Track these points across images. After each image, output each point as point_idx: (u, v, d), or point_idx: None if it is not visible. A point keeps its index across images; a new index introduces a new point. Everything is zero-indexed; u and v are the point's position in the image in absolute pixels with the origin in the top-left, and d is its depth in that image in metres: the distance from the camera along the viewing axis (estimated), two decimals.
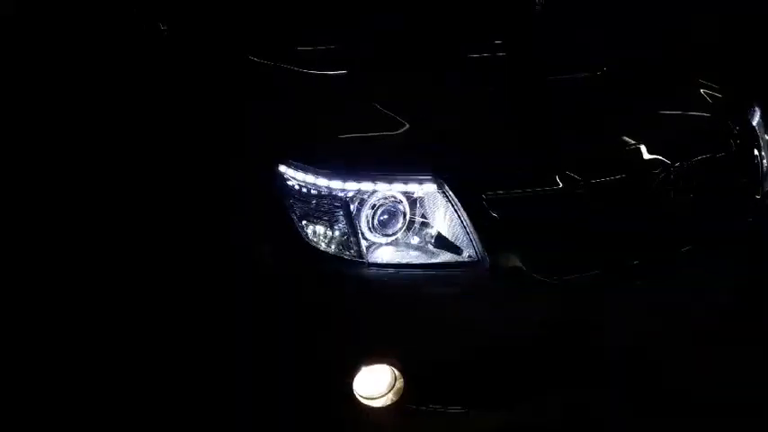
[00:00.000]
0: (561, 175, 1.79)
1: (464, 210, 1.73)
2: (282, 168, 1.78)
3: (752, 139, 2.21)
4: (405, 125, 1.87)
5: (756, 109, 2.34)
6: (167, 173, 2.32)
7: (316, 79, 2.12)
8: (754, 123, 2.27)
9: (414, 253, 1.76)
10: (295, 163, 1.77)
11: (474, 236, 1.73)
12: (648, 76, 2.37)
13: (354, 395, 1.75)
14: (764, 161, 2.28)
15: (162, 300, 2.37)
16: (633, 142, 1.93)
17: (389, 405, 1.77)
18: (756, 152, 2.21)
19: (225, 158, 2.03)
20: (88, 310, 2.57)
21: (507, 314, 1.76)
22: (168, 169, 2.32)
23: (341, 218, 1.74)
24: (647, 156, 1.89)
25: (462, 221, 1.73)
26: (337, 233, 1.74)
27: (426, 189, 1.74)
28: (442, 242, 1.76)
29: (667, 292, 1.89)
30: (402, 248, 1.76)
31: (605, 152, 1.90)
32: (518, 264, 1.74)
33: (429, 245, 1.77)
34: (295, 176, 1.77)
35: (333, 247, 1.74)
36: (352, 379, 1.73)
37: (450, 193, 1.73)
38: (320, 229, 1.75)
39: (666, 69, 2.47)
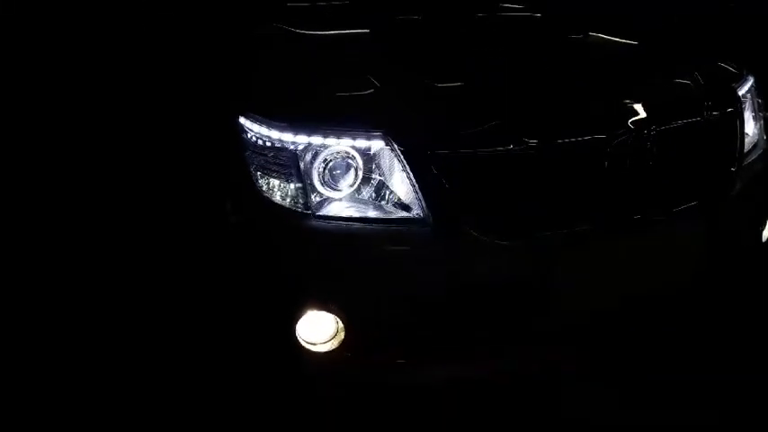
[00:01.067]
0: (510, 137, 1.80)
1: (410, 168, 1.76)
2: (242, 120, 1.86)
3: (735, 109, 2.14)
4: (364, 84, 1.90)
5: (747, 78, 2.27)
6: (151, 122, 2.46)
7: (289, 37, 2.18)
8: (741, 93, 2.20)
9: (362, 207, 1.81)
10: (253, 115, 1.85)
11: (419, 194, 1.77)
12: (631, 41, 2.33)
13: (297, 338, 1.83)
14: (748, 131, 2.22)
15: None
16: (596, 107, 1.92)
17: (331, 352, 1.84)
18: (738, 123, 2.15)
19: (199, 109, 2.13)
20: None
21: (449, 273, 1.80)
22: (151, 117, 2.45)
23: (292, 170, 1.80)
24: (605, 122, 1.88)
25: (410, 179, 1.77)
26: (289, 185, 1.80)
27: (376, 145, 1.78)
28: (389, 199, 1.81)
29: (618, 260, 1.90)
30: (351, 203, 1.81)
31: (561, 117, 1.89)
32: (462, 224, 1.78)
33: (377, 200, 1.81)
34: (252, 129, 1.84)
35: (284, 198, 1.81)
36: (296, 322, 1.82)
37: (399, 150, 1.77)
38: (274, 180, 1.82)
39: (652, 36, 2.41)
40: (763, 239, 2.42)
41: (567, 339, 1.91)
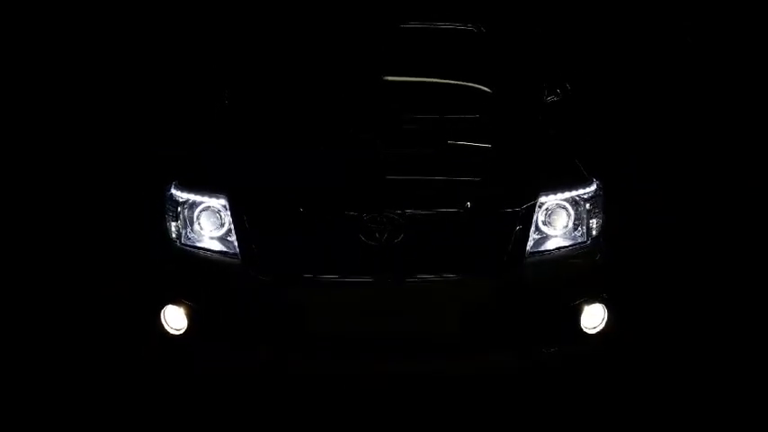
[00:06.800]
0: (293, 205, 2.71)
1: (233, 221, 2.75)
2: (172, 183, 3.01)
3: (514, 212, 2.73)
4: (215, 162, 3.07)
5: (563, 189, 2.84)
6: None
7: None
8: (548, 201, 2.82)
9: (212, 241, 2.81)
10: (174, 181, 2.98)
11: (237, 239, 2.74)
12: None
13: (162, 323, 2.84)
14: (547, 230, 2.80)
15: None
16: (356, 190, 2.76)
17: (181, 335, 2.82)
18: (518, 223, 2.72)
19: None
20: None
21: (247, 297, 2.72)
22: None
23: (177, 216, 2.88)
24: (358, 202, 2.69)
25: (234, 228, 2.75)
26: (173, 224, 2.88)
27: (221, 203, 2.79)
28: (227, 238, 2.79)
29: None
30: (207, 237, 2.82)
31: (331, 193, 2.76)
32: (253, 264, 2.71)
33: (222, 238, 2.80)
34: (168, 189, 2.97)
35: (171, 232, 2.89)
36: (160, 310, 2.84)
37: (231, 208, 2.76)
38: (171, 221, 2.91)
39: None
40: (588, 331, 2.82)
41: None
